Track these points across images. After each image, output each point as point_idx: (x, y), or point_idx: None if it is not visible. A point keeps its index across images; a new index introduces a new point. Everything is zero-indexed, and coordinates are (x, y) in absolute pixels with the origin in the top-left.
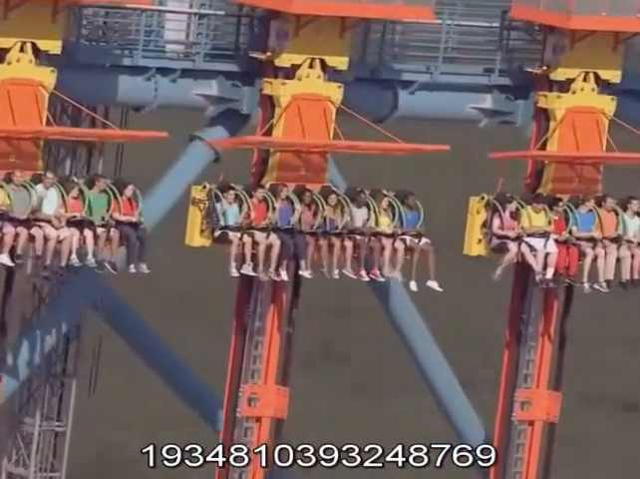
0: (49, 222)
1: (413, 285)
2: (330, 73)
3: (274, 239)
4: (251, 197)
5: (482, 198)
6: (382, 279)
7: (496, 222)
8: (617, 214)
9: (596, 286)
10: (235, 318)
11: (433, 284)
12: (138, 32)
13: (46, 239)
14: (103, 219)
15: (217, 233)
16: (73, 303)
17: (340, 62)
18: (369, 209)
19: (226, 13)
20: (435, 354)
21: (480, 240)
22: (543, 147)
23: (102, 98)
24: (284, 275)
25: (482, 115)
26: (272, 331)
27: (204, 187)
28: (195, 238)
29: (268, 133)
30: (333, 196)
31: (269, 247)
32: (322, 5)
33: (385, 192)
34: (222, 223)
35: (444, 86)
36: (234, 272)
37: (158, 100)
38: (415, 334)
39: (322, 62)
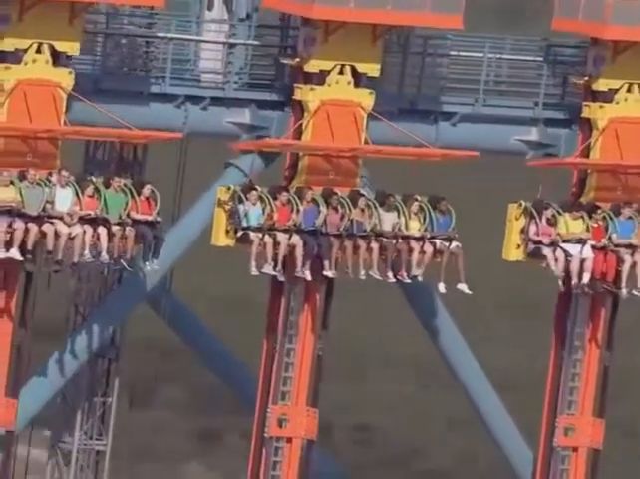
0: (61, 218)
1: (441, 288)
2: (362, 80)
3: (297, 239)
4: (275, 199)
5: (521, 204)
6: (408, 281)
7: (533, 227)
8: None
9: (635, 293)
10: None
11: (462, 287)
12: (166, 60)
13: (57, 236)
14: (120, 217)
15: (240, 233)
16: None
17: (371, 69)
18: (399, 212)
19: (258, 43)
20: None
21: (518, 246)
22: (587, 156)
23: (132, 125)
24: (308, 275)
25: (528, 147)
26: (303, 354)
27: (229, 188)
28: (221, 238)
29: (298, 137)
30: (362, 199)
31: (293, 249)
32: (345, 11)
33: (416, 196)
34: (245, 223)
35: (486, 118)
36: (254, 272)
37: (188, 127)
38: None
39: (353, 69)
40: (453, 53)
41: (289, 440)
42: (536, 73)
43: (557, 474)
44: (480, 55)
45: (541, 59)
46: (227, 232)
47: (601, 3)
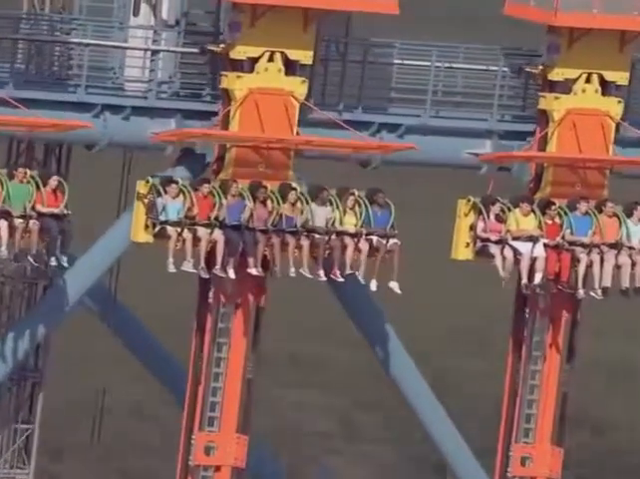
0: None
1: (373, 285)
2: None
3: (218, 234)
4: (197, 191)
5: (469, 200)
6: (341, 280)
7: (481, 224)
8: (620, 219)
9: (591, 293)
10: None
11: (394, 286)
12: (81, 67)
13: None
14: (24, 209)
15: (157, 228)
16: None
17: (303, 56)
18: (333, 207)
19: (184, 50)
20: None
21: (467, 244)
22: (543, 150)
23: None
24: (231, 274)
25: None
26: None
27: (147, 181)
28: (140, 233)
29: (226, 128)
30: (292, 193)
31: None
32: None
33: (352, 190)
34: (163, 217)
35: (436, 130)
36: (172, 268)
37: (107, 137)
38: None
39: (285, 56)
40: (397, 61)
41: (217, 468)
42: (491, 83)
43: None
44: (428, 63)
45: (496, 68)
46: (146, 227)
47: None
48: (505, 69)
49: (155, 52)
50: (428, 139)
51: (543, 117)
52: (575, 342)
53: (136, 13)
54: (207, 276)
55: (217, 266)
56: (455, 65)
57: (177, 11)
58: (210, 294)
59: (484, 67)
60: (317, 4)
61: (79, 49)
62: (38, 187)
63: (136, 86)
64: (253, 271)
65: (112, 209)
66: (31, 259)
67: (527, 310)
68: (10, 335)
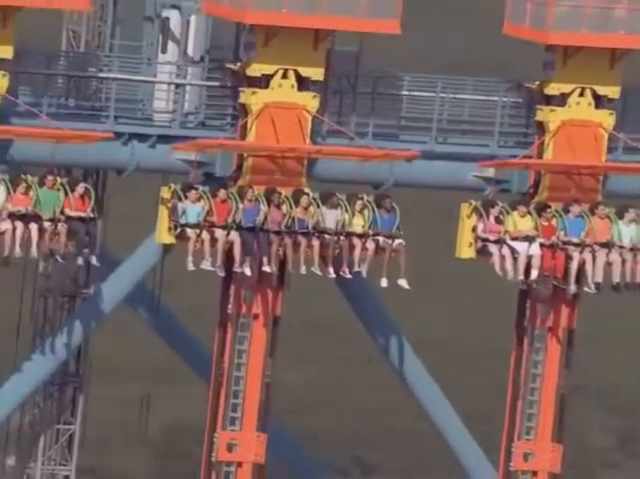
0: None
1: (383, 282)
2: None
3: (235, 236)
4: (215, 197)
5: (471, 204)
6: (349, 276)
7: (481, 226)
8: (612, 221)
9: (585, 289)
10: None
11: (402, 283)
12: (108, 99)
13: None
14: (54, 214)
15: (178, 230)
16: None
17: (315, 73)
18: (342, 210)
19: (201, 83)
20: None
21: (470, 244)
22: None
23: (81, 163)
24: (247, 271)
25: (485, 183)
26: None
27: (170, 187)
28: (164, 235)
29: (243, 140)
30: (304, 197)
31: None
32: (277, 16)
33: (361, 195)
34: (183, 220)
35: (443, 155)
36: (191, 267)
37: (134, 164)
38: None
39: (296, 72)
40: (405, 93)
41: (239, 464)
42: (493, 112)
43: None
44: (433, 94)
45: (496, 99)
46: (169, 229)
47: (544, 10)
48: (505, 99)
49: (178, 85)
50: (435, 163)
51: (541, 128)
52: (573, 350)
53: (163, 50)
54: (223, 274)
55: (236, 264)
56: (459, 96)
57: (202, 48)
58: (230, 301)
59: (486, 97)
60: (324, 25)
61: (109, 83)
62: (66, 192)
63: (163, 117)
64: (267, 269)
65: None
66: (58, 258)
67: (527, 314)
68: (49, 343)
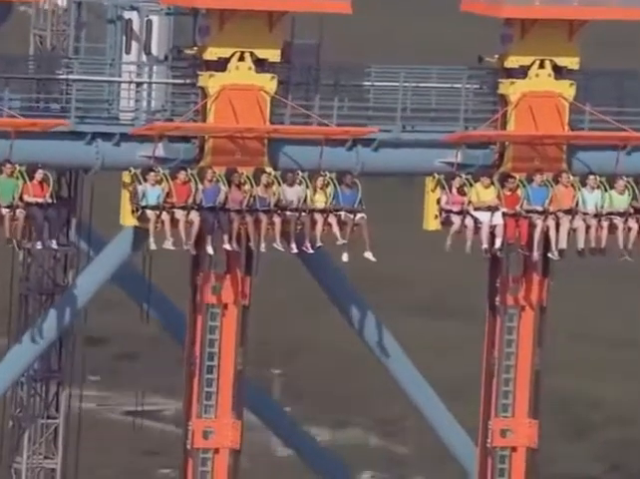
0: None
1: (345, 257)
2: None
3: (195, 216)
4: (175, 179)
5: (434, 177)
6: (311, 252)
7: (444, 197)
8: (575, 188)
9: (549, 255)
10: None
11: (368, 255)
12: (69, 101)
13: None
14: (13, 200)
15: (139, 212)
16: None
17: (272, 54)
18: (304, 187)
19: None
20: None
21: (436, 216)
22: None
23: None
24: (210, 250)
25: (452, 168)
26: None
27: (130, 171)
28: (127, 218)
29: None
30: (264, 175)
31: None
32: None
33: (322, 172)
34: (143, 202)
35: (408, 143)
36: (153, 246)
37: (99, 162)
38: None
39: (253, 55)
40: (367, 83)
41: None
42: (457, 99)
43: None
44: (397, 84)
45: (459, 86)
46: (133, 212)
47: None
48: (468, 86)
49: (138, 84)
50: (402, 151)
51: (504, 102)
52: (544, 327)
53: (127, 51)
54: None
55: (190, 242)
56: (422, 84)
57: (166, 47)
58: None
59: (450, 85)
60: (276, 7)
61: (74, 85)
62: (25, 180)
63: (128, 116)
64: (227, 247)
65: None
66: (16, 245)
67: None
68: (26, 338)
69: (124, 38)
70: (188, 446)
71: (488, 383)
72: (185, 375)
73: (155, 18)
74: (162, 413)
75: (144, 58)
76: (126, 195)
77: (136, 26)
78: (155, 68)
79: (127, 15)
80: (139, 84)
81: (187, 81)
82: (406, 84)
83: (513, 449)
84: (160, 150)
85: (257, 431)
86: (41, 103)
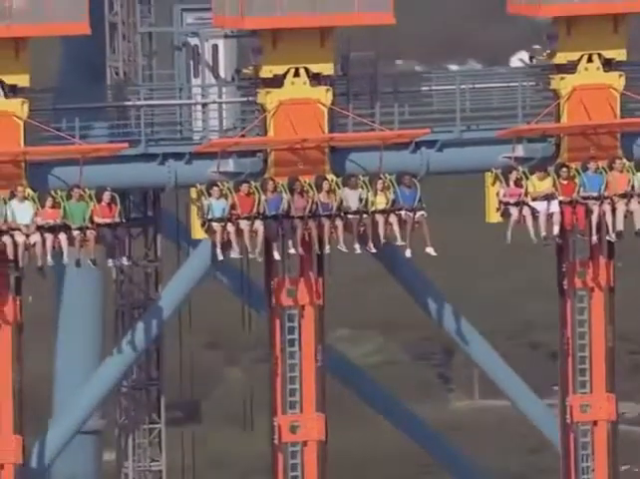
0: (20, 229)
1: (408, 252)
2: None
3: (258, 225)
4: (238, 191)
5: (492, 172)
6: (374, 251)
7: (502, 191)
8: (630, 172)
9: (607, 238)
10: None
11: (430, 251)
12: (138, 125)
13: (16, 245)
14: (83, 222)
15: (206, 225)
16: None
17: (325, 68)
18: (365, 190)
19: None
20: None
21: (497, 209)
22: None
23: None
24: (277, 255)
25: (516, 163)
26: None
27: (196, 187)
28: (197, 231)
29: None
30: (325, 182)
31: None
32: (280, 19)
33: (381, 175)
34: (209, 216)
35: (471, 141)
36: (220, 256)
37: (172, 180)
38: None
39: (307, 70)
40: (424, 88)
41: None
42: (514, 97)
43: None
44: (453, 87)
45: (515, 84)
46: (202, 225)
47: None
48: (525, 84)
49: (204, 105)
50: (464, 150)
51: (555, 96)
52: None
53: (195, 74)
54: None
55: (256, 250)
56: (477, 85)
57: (232, 68)
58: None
59: (506, 84)
60: (324, 23)
61: (145, 110)
62: (93, 202)
63: (199, 135)
64: (293, 251)
65: None
66: (91, 263)
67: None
68: (115, 351)
69: (191, 62)
70: (276, 441)
71: (564, 362)
72: (270, 374)
73: (220, 42)
74: None
75: (211, 80)
76: (194, 210)
77: (201, 50)
78: (223, 89)
79: (192, 41)
80: (204, 105)
81: (250, 99)
82: (463, 86)
83: (594, 423)
84: (230, 165)
85: None
86: (118, 129)
